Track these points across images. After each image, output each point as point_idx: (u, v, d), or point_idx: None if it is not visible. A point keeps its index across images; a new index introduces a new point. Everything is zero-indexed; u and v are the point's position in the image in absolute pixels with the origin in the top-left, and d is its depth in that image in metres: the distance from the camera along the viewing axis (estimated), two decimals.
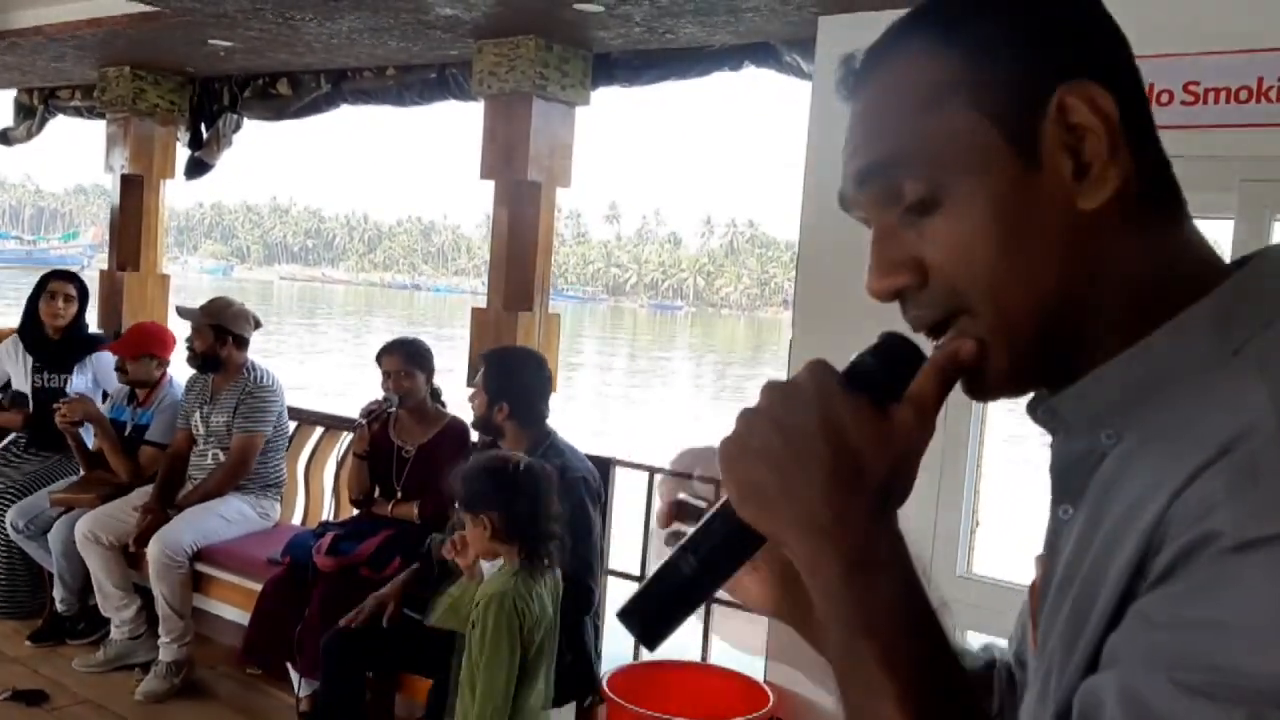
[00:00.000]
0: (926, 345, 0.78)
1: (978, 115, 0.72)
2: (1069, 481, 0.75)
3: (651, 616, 0.79)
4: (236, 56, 5.14)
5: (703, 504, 0.90)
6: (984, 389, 0.76)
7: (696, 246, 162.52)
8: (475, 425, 3.75)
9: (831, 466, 0.70)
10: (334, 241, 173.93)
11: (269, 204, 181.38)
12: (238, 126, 5.81)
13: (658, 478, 4.14)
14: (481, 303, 4.62)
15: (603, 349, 43.29)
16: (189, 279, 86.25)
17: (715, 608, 4.00)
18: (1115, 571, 0.65)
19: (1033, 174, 0.71)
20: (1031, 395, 0.79)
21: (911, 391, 0.73)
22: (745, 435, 0.74)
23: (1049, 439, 0.79)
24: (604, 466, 3.94)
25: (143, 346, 4.83)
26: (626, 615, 0.79)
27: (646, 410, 22.09)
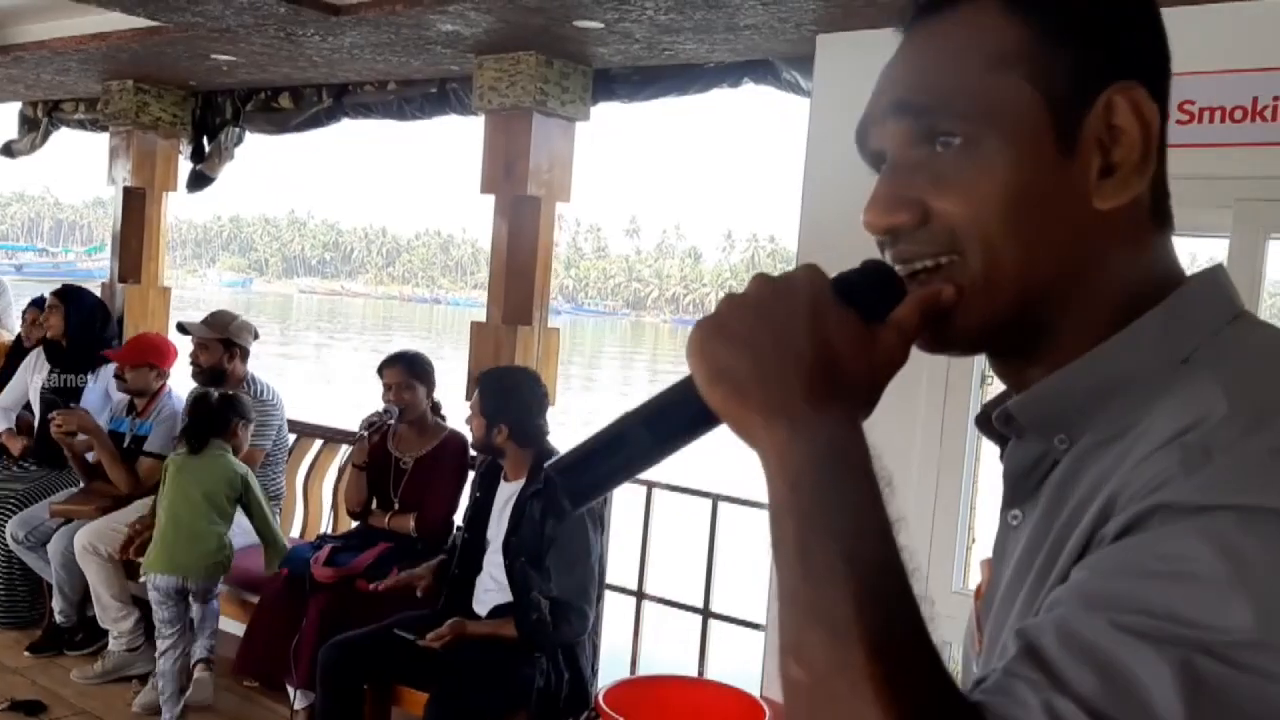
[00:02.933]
0: None
1: (1032, 90, 0.73)
2: (1021, 486, 0.77)
3: (586, 480, 0.78)
4: (239, 70, 5.17)
5: None
6: (945, 340, 0.77)
7: (718, 261, 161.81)
8: (475, 447, 3.75)
9: (812, 363, 0.69)
10: (352, 254, 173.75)
11: (287, 217, 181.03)
12: (239, 140, 5.84)
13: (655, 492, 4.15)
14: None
15: (624, 366, 43.09)
16: (207, 292, 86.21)
17: (711, 623, 4.01)
18: (1064, 560, 0.66)
19: (1065, 160, 0.72)
20: (980, 410, 0.82)
21: (896, 316, 0.73)
22: (725, 318, 0.72)
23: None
24: None
25: (143, 356, 4.85)
26: (560, 470, 0.77)
27: None
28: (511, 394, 3.60)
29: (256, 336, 4.81)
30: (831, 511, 0.66)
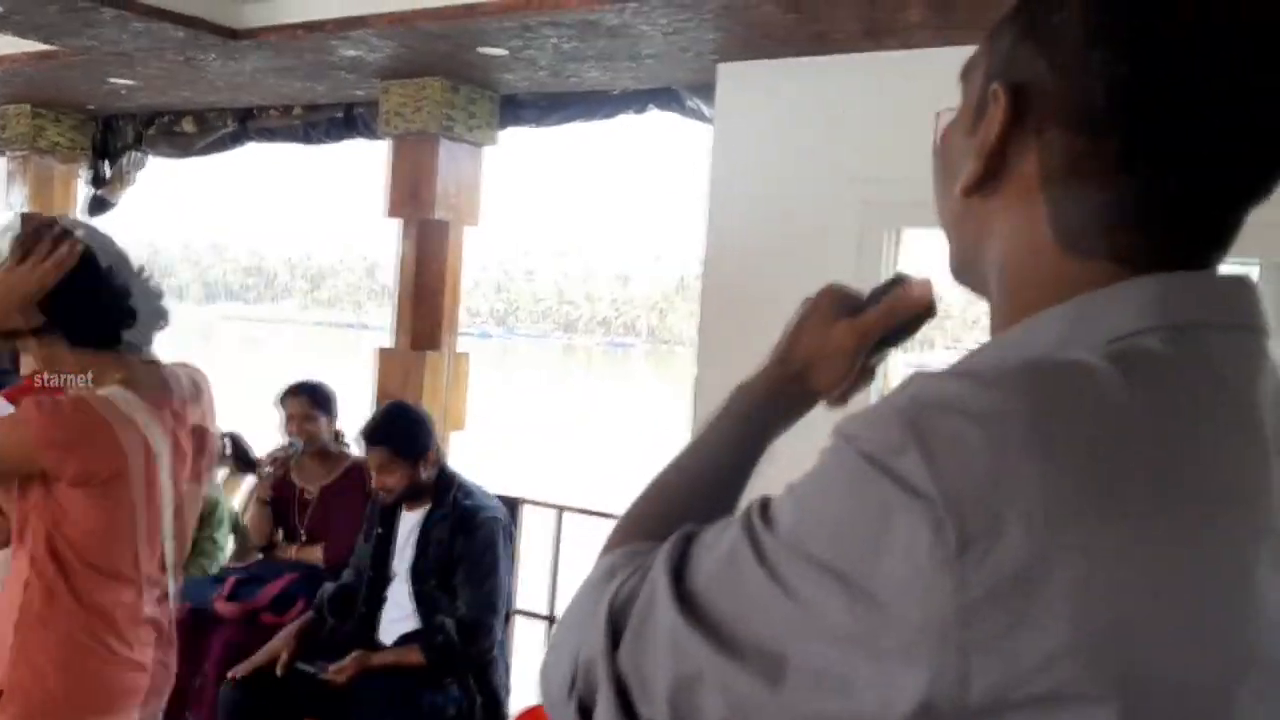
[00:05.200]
0: None
1: (977, 80, 0.79)
2: None
3: None
4: (139, 94, 5.08)
5: None
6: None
7: (648, 284, 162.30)
8: (402, 496, 3.52)
9: (783, 345, 1.04)
10: (275, 280, 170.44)
11: (207, 242, 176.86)
12: (141, 164, 5.72)
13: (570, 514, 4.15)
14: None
15: (552, 387, 42.69)
16: None
17: None
18: None
19: (970, 140, 0.77)
20: None
21: (861, 318, 1.01)
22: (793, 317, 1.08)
23: None
24: (512, 506, 3.93)
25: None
26: None
27: (598, 449, 21.74)
28: (421, 423, 3.56)
29: None
30: (720, 420, 1.00)
